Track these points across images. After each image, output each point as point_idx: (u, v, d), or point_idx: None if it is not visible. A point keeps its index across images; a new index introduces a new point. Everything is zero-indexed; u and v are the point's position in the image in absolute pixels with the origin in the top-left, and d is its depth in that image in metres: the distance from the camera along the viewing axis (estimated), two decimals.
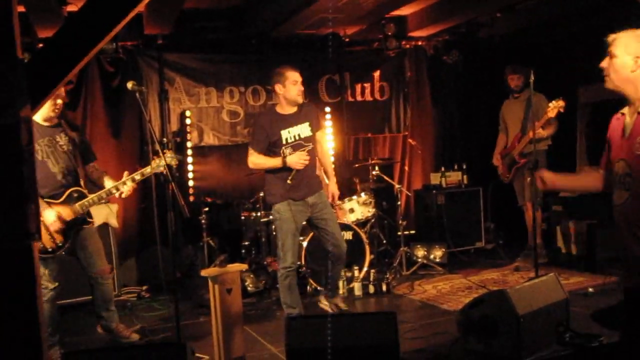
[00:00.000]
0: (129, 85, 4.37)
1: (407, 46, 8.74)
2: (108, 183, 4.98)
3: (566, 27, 8.30)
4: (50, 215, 4.67)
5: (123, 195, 4.89)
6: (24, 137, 2.54)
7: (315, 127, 5.41)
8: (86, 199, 4.84)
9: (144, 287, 6.94)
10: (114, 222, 6.62)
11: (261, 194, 6.80)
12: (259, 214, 6.87)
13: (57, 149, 4.86)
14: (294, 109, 5.32)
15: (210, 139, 8.03)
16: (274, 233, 5.75)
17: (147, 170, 4.84)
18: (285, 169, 5.16)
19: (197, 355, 4.41)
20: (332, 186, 5.66)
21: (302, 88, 5.28)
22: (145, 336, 5.38)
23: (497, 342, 4.27)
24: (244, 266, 4.81)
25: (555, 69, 8.22)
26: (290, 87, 5.20)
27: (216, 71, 8.03)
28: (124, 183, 4.85)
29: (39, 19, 6.20)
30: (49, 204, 4.72)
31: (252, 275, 6.57)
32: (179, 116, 7.84)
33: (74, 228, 4.84)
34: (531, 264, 7.19)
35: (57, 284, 4.81)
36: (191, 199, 7.64)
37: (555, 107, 6.58)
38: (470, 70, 8.82)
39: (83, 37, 2.94)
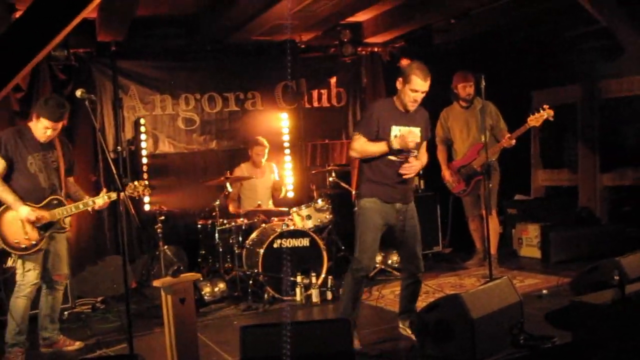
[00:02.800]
0: (78, 93, 4.29)
1: (363, 52, 8.79)
2: (82, 196, 5.27)
3: (519, 33, 8.46)
4: (24, 209, 4.87)
5: (96, 208, 5.18)
6: None
7: (425, 134, 4.95)
8: (64, 207, 5.08)
9: (99, 299, 6.81)
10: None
11: (217, 202, 6.74)
12: (215, 222, 6.80)
13: (49, 165, 5.10)
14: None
15: (165, 147, 7.94)
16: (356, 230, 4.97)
17: (122, 194, 5.00)
18: (383, 163, 4.74)
19: None
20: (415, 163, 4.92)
21: (419, 100, 4.73)
22: (100, 348, 5.30)
23: (452, 346, 4.29)
24: (198, 275, 4.75)
25: (510, 74, 8.36)
26: (408, 92, 4.66)
27: (171, 78, 7.96)
28: (100, 198, 5.14)
29: None
30: (26, 204, 4.91)
31: (208, 284, 6.50)
32: (133, 124, 7.75)
33: (48, 230, 5.03)
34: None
35: (37, 281, 5.03)
36: (147, 207, 7.53)
37: (540, 116, 6.29)
38: None
39: (26, 42, 2.88)
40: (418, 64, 4.70)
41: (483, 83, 5.55)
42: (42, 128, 4.95)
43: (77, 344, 5.36)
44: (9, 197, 4.86)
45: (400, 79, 4.70)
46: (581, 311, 4.22)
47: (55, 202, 5.07)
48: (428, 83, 4.65)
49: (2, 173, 4.89)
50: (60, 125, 5.03)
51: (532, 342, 4.44)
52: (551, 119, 6.34)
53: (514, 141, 6.61)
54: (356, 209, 4.94)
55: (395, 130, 4.73)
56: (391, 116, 4.75)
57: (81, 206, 5.13)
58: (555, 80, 8.67)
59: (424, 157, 5.06)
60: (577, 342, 4.24)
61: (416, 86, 4.61)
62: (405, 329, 4.99)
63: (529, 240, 7.83)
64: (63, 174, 5.17)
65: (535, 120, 6.34)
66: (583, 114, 8.36)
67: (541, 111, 6.33)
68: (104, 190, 5.25)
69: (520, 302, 4.58)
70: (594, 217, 7.86)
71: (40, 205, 4.99)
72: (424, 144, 5.02)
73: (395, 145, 4.64)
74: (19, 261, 4.97)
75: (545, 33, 8.40)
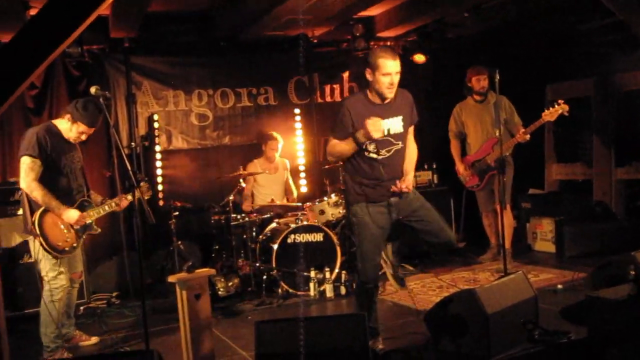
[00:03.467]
0: (93, 90, 4.32)
1: (376, 47, 8.74)
2: (96, 197, 5.30)
3: (533, 26, 8.40)
4: (74, 213, 4.88)
5: (122, 207, 5.23)
6: None
7: (409, 121, 4.57)
8: (96, 209, 5.10)
9: (114, 294, 6.85)
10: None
11: (231, 197, 6.77)
12: (229, 217, 6.82)
13: (76, 165, 5.07)
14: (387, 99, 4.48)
15: (179, 143, 7.96)
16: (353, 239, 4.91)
17: (129, 197, 5.18)
18: (363, 161, 4.44)
19: None
20: (405, 180, 4.53)
21: (395, 83, 4.37)
22: (115, 344, 5.34)
23: (466, 341, 4.28)
24: (212, 271, 4.77)
25: (523, 67, 8.30)
26: (380, 78, 4.32)
27: (184, 74, 7.98)
28: (124, 198, 5.18)
29: (2, 23, 6.10)
30: None
31: (223, 279, 6.53)
32: (146, 120, 7.78)
33: (85, 232, 5.08)
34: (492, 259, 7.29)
35: (68, 283, 5.01)
36: (160, 203, 7.56)
37: (554, 111, 6.27)
38: (439, 70, 8.85)
39: (42, 40, 2.89)
40: (380, 48, 4.55)
41: (497, 77, 5.50)
42: (77, 132, 4.95)
43: (93, 339, 5.39)
44: (52, 201, 4.78)
45: (368, 70, 4.36)
46: (597, 306, 4.20)
47: (86, 203, 5.09)
48: (398, 62, 4.33)
49: (38, 175, 4.78)
50: (93, 131, 5.05)
51: (547, 337, 4.42)
52: (566, 113, 6.31)
53: (528, 136, 6.58)
54: (350, 216, 4.63)
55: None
56: (365, 110, 4.37)
57: (113, 205, 5.13)
58: (570, 74, 8.60)
59: (412, 147, 4.68)
60: (593, 337, 4.22)
61: (387, 69, 4.28)
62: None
63: (543, 234, 7.79)
64: (86, 173, 5.18)
65: (550, 115, 6.32)
66: (598, 108, 8.30)
67: (556, 106, 6.31)
68: (125, 195, 5.20)
69: (535, 297, 4.57)
70: (609, 212, 7.80)
71: (74, 207, 4.97)
72: (411, 129, 4.64)
73: (361, 138, 4.28)
74: (51, 263, 4.86)
75: (560, 26, 8.33)
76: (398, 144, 4.48)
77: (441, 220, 4.63)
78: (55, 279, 4.87)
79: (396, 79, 4.35)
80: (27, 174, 4.74)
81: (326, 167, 7.65)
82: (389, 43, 8.78)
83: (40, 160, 4.77)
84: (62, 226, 4.89)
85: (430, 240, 4.65)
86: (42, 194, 4.74)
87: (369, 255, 4.48)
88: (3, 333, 2.27)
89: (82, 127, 4.91)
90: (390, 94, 4.39)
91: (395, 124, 4.46)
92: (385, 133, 4.39)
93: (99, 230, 5.23)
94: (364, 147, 4.37)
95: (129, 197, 5.09)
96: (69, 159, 4.99)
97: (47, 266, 4.87)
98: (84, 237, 5.11)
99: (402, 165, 4.56)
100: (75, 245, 4.97)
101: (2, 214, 6.26)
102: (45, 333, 4.90)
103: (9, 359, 2.75)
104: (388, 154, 4.44)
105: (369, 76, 4.38)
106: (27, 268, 5.98)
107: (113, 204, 5.12)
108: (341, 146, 4.42)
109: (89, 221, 5.05)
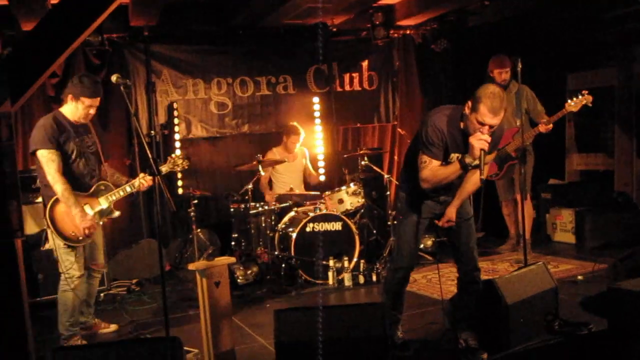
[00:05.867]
0: (114, 78, 4.33)
1: (395, 35, 8.71)
2: (120, 180, 5.23)
3: (555, 14, 8.30)
4: (84, 221, 4.81)
5: (141, 189, 5.12)
6: (4, 132, 2.51)
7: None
8: (112, 192, 5.05)
9: (134, 281, 6.91)
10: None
11: (250, 186, 6.79)
12: (248, 205, 6.85)
13: (87, 150, 5.03)
14: None
15: (198, 131, 7.99)
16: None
17: (163, 168, 5.23)
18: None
19: (186, 348, 4.38)
20: (450, 207, 4.30)
21: (486, 134, 3.90)
22: (136, 330, 5.38)
23: (486, 331, 4.27)
24: (232, 259, 4.78)
25: (545, 56, 8.22)
26: (474, 121, 3.93)
27: (203, 63, 7.99)
28: (144, 179, 5.09)
29: (23, 11, 6.13)
30: (77, 195, 4.85)
31: (242, 267, 6.56)
32: (166, 108, 7.80)
33: (102, 217, 5.05)
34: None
35: (83, 272, 4.98)
36: (180, 191, 7.60)
37: (578, 102, 6.20)
38: (459, 58, 8.78)
39: (63, 29, 2.90)
40: (492, 90, 3.88)
41: (519, 66, 5.44)
42: (84, 108, 4.90)
43: (113, 327, 5.43)
44: (70, 199, 4.76)
45: (469, 103, 3.97)
46: (618, 297, 4.17)
47: (102, 187, 5.05)
48: (499, 118, 3.91)
49: (60, 165, 4.76)
50: (99, 100, 5.00)
51: (568, 329, 4.41)
52: (590, 104, 6.25)
53: (551, 125, 6.52)
54: (397, 201, 4.55)
55: (454, 157, 4.12)
56: (454, 140, 4.09)
57: (128, 189, 5.06)
58: (592, 63, 8.51)
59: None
60: (614, 329, 4.20)
61: (485, 120, 3.88)
62: (462, 343, 4.38)
63: (563, 225, 7.74)
64: (102, 157, 5.14)
65: (574, 105, 6.27)
66: (620, 97, 8.20)
67: (580, 96, 6.24)
68: (144, 174, 5.15)
69: (555, 288, 4.55)
70: (630, 202, 7.72)
71: (89, 192, 4.97)
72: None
73: (470, 161, 3.96)
74: (68, 251, 4.87)
75: (582, 14, 8.23)
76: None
77: (473, 243, 4.45)
78: (69, 269, 4.87)
79: (486, 132, 3.92)
80: (49, 166, 4.74)
81: (345, 156, 7.65)
82: (408, 32, 8.73)
83: (55, 149, 4.77)
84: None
85: (453, 253, 4.53)
86: (63, 188, 4.73)
87: (408, 240, 4.37)
88: (27, 319, 2.29)
89: (86, 101, 4.87)
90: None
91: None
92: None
93: (118, 213, 5.18)
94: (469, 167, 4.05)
95: (148, 177, 5.02)
96: (78, 143, 4.95)
97: (61, 256, 4.87)
98: (102, 222, 5.09)
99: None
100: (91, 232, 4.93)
101: (23, 202, 6.29)
102: (60, 321, 4.96)
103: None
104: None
105: (467, 109, 3.99)
106: (46, 255, 6.00)
107: (127, 188, 5.06)
108: (447, 171, 4.08)
109: (107, 205, 5.03)
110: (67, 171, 4.86)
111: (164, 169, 5.24)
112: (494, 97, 3.85)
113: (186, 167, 5.42)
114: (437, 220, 4.34)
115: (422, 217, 4.36)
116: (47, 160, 4.74)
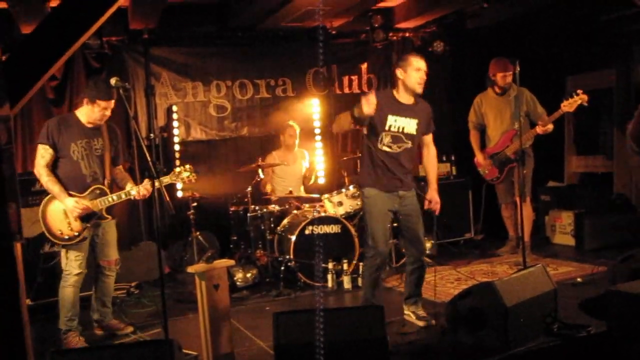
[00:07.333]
0: (113, 81, 4.38)
1: (394, 38, 8.72)
2: (129, 186, 5.25)
3: (553, 16, 8.31)
4: (70, 201, 4.91)
5: (138, 197, 5.16)
6: (3, 135, 2.51)
7: (424, 129, 5.06)
8: (105, 197, 5.09)
9: (133, 283, 6.90)
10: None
11: (249, 189, 6.79)
12: (247, 208, 6.85)
13: (92, 152, 5.10)
14: (411, 101, 4.95)
15: (197, 134, 8.00)
16: (364, 220, 5.26)
17: (166, 179, 5.22)
18: (382, 156, 4.90)
19: (185, 351, 4.39)
20: (431, 192, 5.17)
21: (425, 78, 4.89)
22: (135, 333, 5.38)
23: (485, 333, 4.27)
24: (231, 262, 4.78)
25: (544, 58, 8.22)
26: (412, 73, 4.83)
27: (203, 65, 8.00)
28: (134, 188, 5.15)
29: (22, 15, 6.14)
30: (70, 194, 4.95)
31: (241, 270, 6.56)
32: (165, 111, 7.81)
33: (90, 220, 5.06)
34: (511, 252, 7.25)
35: (81, 270, 5.05)
36: (179, 194, 7.60)
37: (573, 102, 6.22)
38: (458, 61, 8.80)
39: (62, 32, 2.91)
40: (410, 52, 5.02)
41: (518, 69, 5.45)
42: (100, 110, 5.00)
43: (129, 328, 5.41)
44: (55, 187, 4.90)
45: (400, 69, 4.88)
46: (617, 300, 4.17)
47: (98, 191, 5.08)
48: (424, 60, 4.89)
49: (50, 161, 4.94)
50: (113, 103, 5.07)
51: (566, 331, 4.40)
52: (585, 104, 6.24)
53: (550, 126, 6.52)
54: (362, 197, 5.11)
55: (391, 120, 4.88)
56: (389, 105, 4.90)
57: (123, 196, 5.10)
58: (591, 65, 8.51)
59: (431, 149, 5.23)
60: (613, 331, 4.20)
61: (419, 65, 4.83)
62: (410, 315, 5.13)
63: (563, 227, 7.74)
64: (108, 161, 5.16)
65: (569, 105, 6.26)
66: (619, 99, 8.20)
67: (575, 96, 6.24)
68: (147, 180, 5.20)
69: (554, 290, 4.55)
70: (630, 204, 7.73)
71: (84, 194, 5.01)
72: (428, 137, 5.17)
73: (355, 112, 4.76)
74: (63, 250, 5.03)
75: (581, 16, 8.24)
76: (408, 143, 4.95)
77: (422, 233, 5.10)
78: (67, 265, 5.02)
79: (425, 76, 4.87)
80: (38, 160, 4.95)
81: (344, 158, 7.66)
82: (407, 34, 8.75)
83: (49, 146, 4.93)
84: (65, 214, 4.96)
85: (406, 241, 5.15)
86: (47, 179, 4.90)
87: (380, 231, 4.92)
88: (26, 323, 2.29)
89: (102, 104, 4.99)
90: (419, 89, 4.88)
91: (410, 125, 4.94)
92: (399, 130, 4.91)
93: (109, 218, 5.18)
94: (380, 138, 4.89)
95: (148, 186, 5.09)
96: (83, 145, 5.03)
97: (60, 253, 5.09)
98: (91, 224, 5.07)
99: (410, 163, 5.04)
100: (78, 233, 4.97)
101: (23, 204, 6.31)
102: (60, 317, 5.07)
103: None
104: (399, 150, 4.93)
105: (400, 74, 4.89)
106: (47, 258, 6.05)
107: (123, 195, 5.11)
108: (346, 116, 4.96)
109: (97, 209, 5.04)
110: (66, 170, 4.98)
111: (166, 180, 5.23)
112: (414, 52, 5.11)
113: (193, 181, 5.44)
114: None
115: (385, 194, 4.95)
116: (39, 155, 4.96)
